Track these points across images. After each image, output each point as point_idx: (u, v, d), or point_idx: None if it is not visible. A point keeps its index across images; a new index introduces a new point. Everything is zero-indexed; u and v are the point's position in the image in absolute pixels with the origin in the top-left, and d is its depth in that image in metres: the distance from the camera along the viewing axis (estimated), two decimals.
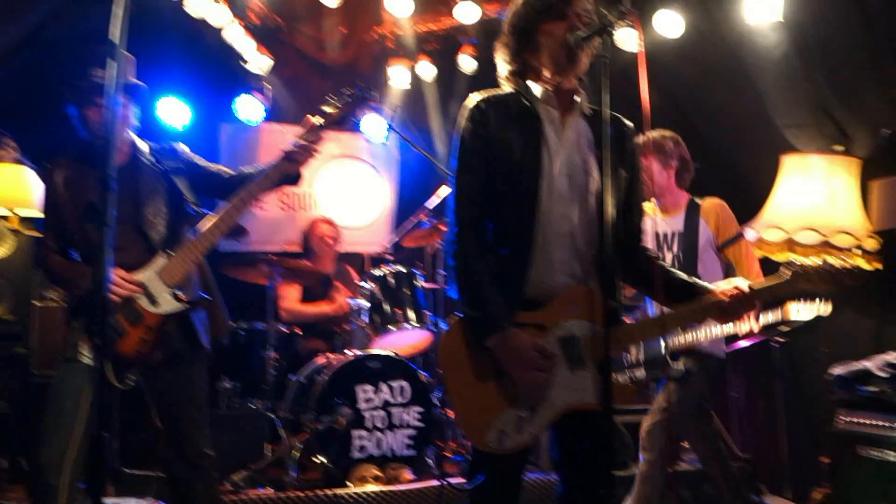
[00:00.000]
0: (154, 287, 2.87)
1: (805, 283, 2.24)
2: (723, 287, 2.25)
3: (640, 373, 3.44)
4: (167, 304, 2.87)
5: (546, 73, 2.27)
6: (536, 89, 2.28)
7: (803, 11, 3.96)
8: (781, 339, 4.48)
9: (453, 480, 3.84)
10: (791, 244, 4.15)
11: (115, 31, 1.71)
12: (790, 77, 4.29)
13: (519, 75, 2.33)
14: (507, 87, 2.36)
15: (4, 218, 4.30)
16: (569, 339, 2.16)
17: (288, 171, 2.97)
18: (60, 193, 2.94)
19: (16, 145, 4.57)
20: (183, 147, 3.14)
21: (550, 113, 2.27)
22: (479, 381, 2.13)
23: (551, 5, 2.23)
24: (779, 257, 4.26)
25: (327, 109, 3.01)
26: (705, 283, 2.30)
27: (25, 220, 4.40)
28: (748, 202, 4.35)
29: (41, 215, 4.24)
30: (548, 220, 2.19)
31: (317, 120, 2.99)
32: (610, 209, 2.04)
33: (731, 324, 3.24)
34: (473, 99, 2.30)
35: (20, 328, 4.47)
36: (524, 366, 2.09)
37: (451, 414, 2.19)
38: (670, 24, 4.37)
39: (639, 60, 2.09)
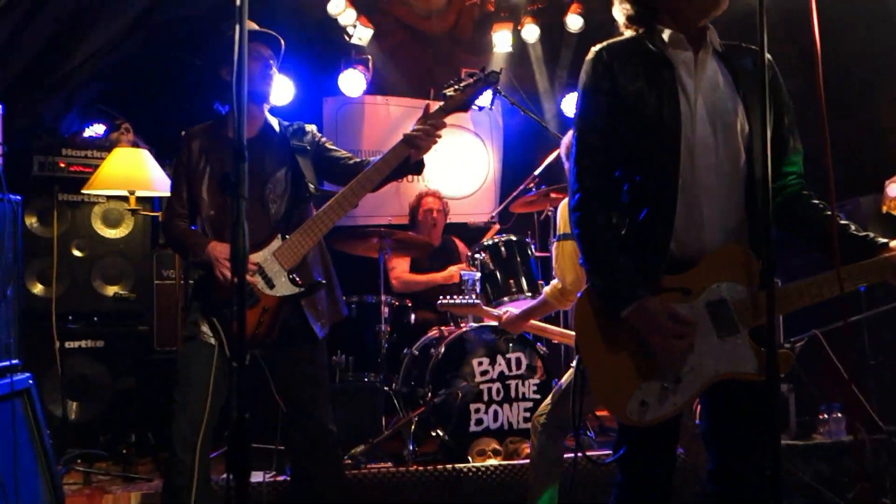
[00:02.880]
0: (270, 269, 2.83)
1: None
2: None
3: None
4: (283, 287, 2.83)
5: (683, 15, 2.03)
6: (664, 33, 2.05)
7: None
8: None
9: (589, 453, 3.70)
10: None
11: None
12: None
13: (644, 18, 2.10)
14: (628, 34, 2.15)
15: (123, 199, 4.40)
16: (718, 304, 1.98)
17: (408, 157, 2.85)
18: (195, 161, 2.95)
19: (132, 128, 4.67)
20: (312, 128, 3.09)
21: (682, 55, 2.05)
22: (618, 351, 2.00)
23: None
24: None
25: (449, 93, 2.88)
26: (880, 238, 2.01)
27: (143, 201, 4.50)
28: (891, 154, 3.99)
29: (158, 194, 4.39)
30: (692, 173, 1.99)
31: (439, 104, 2.87)
32: (763, 155, 1.81)
33: None
34: (597, 50, 2.08)
35: (142, 307, 4.61)
36: (661, 334, 1.92)
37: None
38: None
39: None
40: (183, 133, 3.02)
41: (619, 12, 2.15)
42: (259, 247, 2.85)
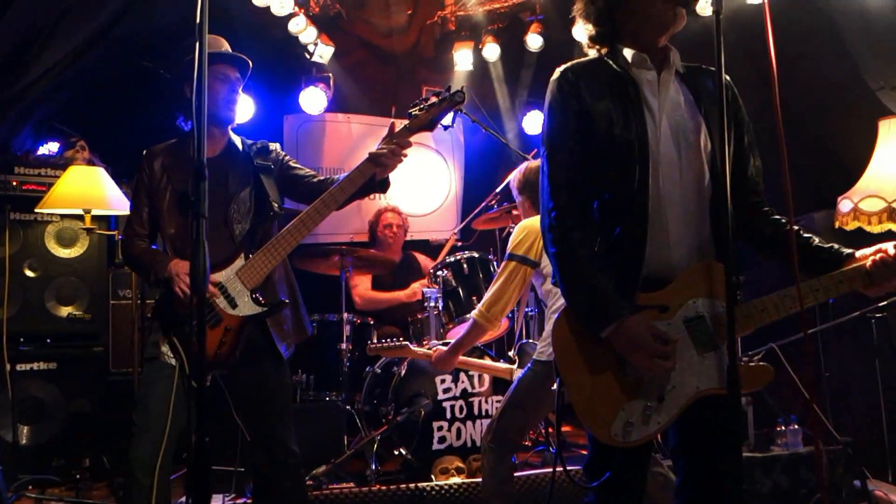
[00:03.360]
0: (233, 288, 2.80)
1: None
2: (865, 252, 2.01)
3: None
4: (246, 307, 2.80)
5: (642, 34, 2.07)
6: (626, 52, 2.09)
7: None
8: (879, 314, 4.22)
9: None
10: (892, 213, 3.90)
11: (200, 13, 1.62)
12: (883, 35, 4.01)
13: (606, 38, 2.14)
14: (591, 54, 2.19)
15: (78, 218, 4.32)
16: (696, 320, 1.98)
17: (373, 175, 2.84)
18: (157, 179, 2.92)
19: (87, 146, 4.59)
20: (276, 147, 3.08)
21: (646, 75, 2.08)
22: (600, 372, 1.98)
23: None
24: (877, 228, 4.01)
25: (414, 112, 2.88)
26: (844, 248, 2.04)
27: (98, 220, 4.42)
28: (841, 172, 4.10)
29: (115, 212, 4.32)
30: (660, 190, 2.00)
31: (404, 123, 2.87)
32: (727, 172, 1.85)
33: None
34: (562, 69, 2.11)
35: (97, 327, 4.52)
36: (644, 354, 1.92)
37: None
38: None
39: (764, 12, 1.88)
40: (144, 152, 2.99)
41: (583, 32, 2.18)
42: (222, 266, 2.82)
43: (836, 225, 4.21)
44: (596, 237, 2.02)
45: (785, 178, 1.95)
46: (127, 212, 4.22)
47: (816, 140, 4.63)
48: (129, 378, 4.46)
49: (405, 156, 2.86)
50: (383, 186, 2.92)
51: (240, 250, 2.84)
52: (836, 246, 2.05)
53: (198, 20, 1.62)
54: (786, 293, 2.00)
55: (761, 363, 1.98)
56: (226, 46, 3.00)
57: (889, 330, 4.29)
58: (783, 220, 2.13)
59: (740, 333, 1.97)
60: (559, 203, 2.02)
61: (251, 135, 3.14)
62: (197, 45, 1.60)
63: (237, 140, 3.03)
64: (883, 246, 1.99)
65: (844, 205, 4.12)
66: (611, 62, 2.10)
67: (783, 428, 4.27)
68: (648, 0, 2.03)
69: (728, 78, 2.12)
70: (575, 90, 2.06)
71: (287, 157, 3.07)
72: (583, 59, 2.16)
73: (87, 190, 4.18)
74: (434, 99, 2.89)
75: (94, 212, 4.23)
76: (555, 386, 2.04)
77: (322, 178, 3.03)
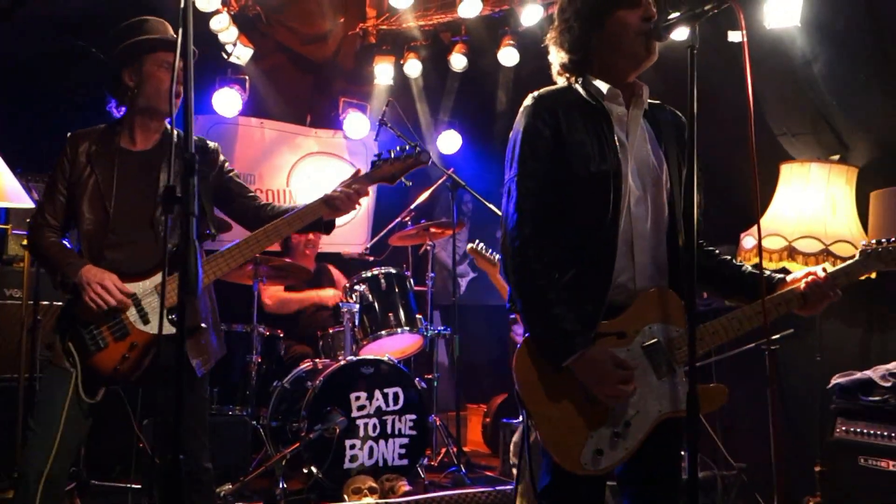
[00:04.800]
0: (149, 303, 2.60)
1: (876, 263, 2.16)
2: (796, 275, 2.14)
3: None
4: (159, 325, 2.55)
5: (614, 67, 2.11)
6: (600, 85, 2.11)
7: (809, 17, 3.94)
8: (772, 346, 4.47)
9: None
10: (791, 251, 4.14)
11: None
12: (790, 85, 4.28)
13: (578, 68, 2.16)
14: (560, 82, 2.21)
15: None
16: (653, 345, 2.03)
17: (322, 217, 2.73)
18: (80, 169, 2.68)
19: None
20: (216, 148, 2.85)
21: (616, 109, 2.11)
22: (565, 402, 1.99)
23: None
24: (775, 265, 4.25)
25: (378, 163, 2.79)
26: (776, 274, 2.17)
27: None
28: (743, 210, 4.32)
29: (9, 205, 4.00)
30: (630, 223, 2.05)
31: (365, 172, 2.79)
32: (693, 207, 1.92)
33: None
34: (537, 96, 2.12)
35: None
36: (606, 382, 1.94)
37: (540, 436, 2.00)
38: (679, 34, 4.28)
39: (743, 50, 1.95)
40: (69, 135, 2.74)
41: (556, 59, 2.20)
42: (141, 276, 2.61)
43: (738, 260, 4.43)
44: (560, 266, 2.03)
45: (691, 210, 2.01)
46: (21, 205, 3.94)
47: (721, 179, 4.87)
48: (13, 385, 4.13)
49: (359, 204, 2.78)
50: (328, 228, 2.82)
51: (164, 262, 2.64)
52: (768, 272, 2.18)
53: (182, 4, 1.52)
54: (733, 316, 2.10)
55: (718, 384, 2.06)
56: (171, 32, 2.79)
57: (780, 362, 4.56)
58: (716, 251, 2.25)
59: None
60: (524, 232, 2.02)
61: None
62: (180, 31, 1.50)
63: (175, 134, 2.85)
64: (812, 269, 2.14)
65: (747, 241, 4.35)
66: (583, 93, 2.12)
67: (683, 453, 4.42)
68: (624, 33, 2.06)
69: (682, 116, 2.22)
70: (552, 119, 2.06)
71: (227, 164, 2.90)
72: (554, 88, 2.17)
73: None
74: (401, 154, 2.80)
75: None
76: (519, 418, 2.03)
77: (262, 202, 2.87)
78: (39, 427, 2.54)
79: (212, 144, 2.86)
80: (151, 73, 2.65)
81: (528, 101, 2.13)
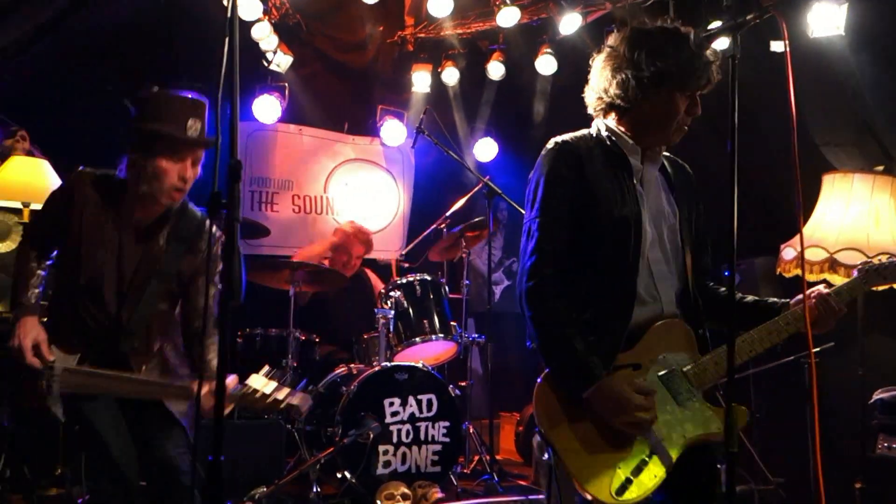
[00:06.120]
0: (59, 379, 2.49)
1: (877, 280, 2.22)
2: (798, 298, 2.17)
3: None
4: (53, 402, 2.51)
5: (645, 133, 2.18)
6: (625, 138, 2.19)
7: (853, 26, 3.88)
8: (813, 360, 4.39)
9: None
10: (833, 263, 4.07)
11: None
12: (833, 95, 4.21)
13: (614, 111, 2.21)
14: (586, 130, 2.26)
15: (15, 211, 4.09)
16: (669, 374, 2.09)
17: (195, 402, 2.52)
18: (97, 219, 2.60)
19: (27, 136, 4.36)
20: (214, 235, 2.61)
21: (635, 163, 2.20)
22: (589, 434, 2.02)
23: (692, 82, 2.11)
24: (816, 277, 4.18)
25: (255, 385, 2.47)
26: (777, 299, 2.22)
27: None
28: (783, 222, 4.26)
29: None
30: (645, 266, 2.13)
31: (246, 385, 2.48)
32: (734, 221, 1.93)
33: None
34: (560, 142, 2.19)
35: None
36: (625, 411, 1.97)
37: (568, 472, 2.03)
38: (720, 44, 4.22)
39: (786, 60, 1.95)
40: (76, 173, 2.66)
41: (598, 86, 2.22)
42: (69, 349, 2.54)
43: (778, 271, 4.37)
44: (579, 306, 2.09)
45: (733, 223, 2.04)
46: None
47: (762, 190, 4.82)
48: None
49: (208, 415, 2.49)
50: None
51: (112, 343, 2.56)
52: (770, 299, 2.24)
53: (228, 14, 1.55)
54: (746, 337, 2.14)
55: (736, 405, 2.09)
56: (197, 114, 2.59)
57: (820, 376, 4.48)
58: (721, 289, 2.32)
59: (715, 381, 2.11)
60: (545, 272, 2.09)
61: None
62: (227, 41, 1.54)
63: (194, 212, 2.72)
64: (815, 290, 2.18)
65: (788, 252, 4.28)
66: (606, 141, 2.19)
67: (720, 467, 4.36)
68: (670, 113, 2.12)
69: (689, 169, 2.35)
70: (577, 165, 2.13)
71: (218, 260, 2.58)
72: (578, 134, 2.23)
73: (28, 182, 3.97)
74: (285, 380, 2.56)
75: (34, 206, 4.01)
76: (545, 456, 2.07)
77: (198, 334, 2.67)
78: None
79: (206, 229, 2.70)
80: (160, 167, 2.54)
81: (550, 144, 2.20)
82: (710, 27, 2.03)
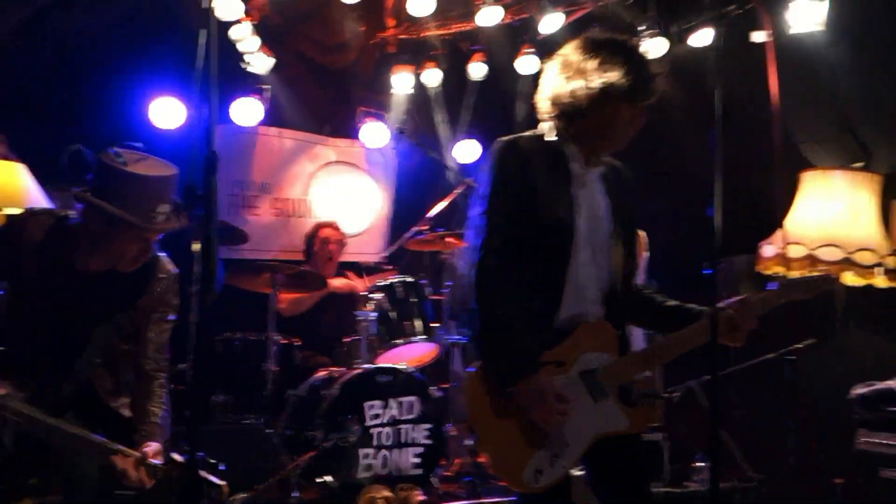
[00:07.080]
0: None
1: (795, 293, 2.33)
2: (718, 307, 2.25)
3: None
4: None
5: (593, 144, 2.27)
6: (571, 148, 2.29)
7: (834, 22, 3.89)
8: (793, 357, 4.41)
9: None
10: (813, 260, 4.09)
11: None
12: (812, 92, 4.23)
13: (560, 119, 2.28)
14: (533, 131, 2.35)
15: None
16: (589, 372, 2.23)
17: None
18: (37, 267, 2.49)
19: (5, 140, 4.31)
20: (171, 274, 2.61)
21: (577, 168, 2.30)
22: (508, 424, 2.16)
23: (640, 95, 2.20)
24: (796, 274, 4.19)
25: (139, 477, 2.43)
26: (696, 306, 2.33)
27: None
28: (762, 218, 4.28)
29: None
30: (574, 267, 2.24)
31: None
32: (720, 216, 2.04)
33: None
34: (509, 142, 2.28)
35: None
36: (546, 409, 2.12)
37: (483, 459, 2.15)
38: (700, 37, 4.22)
39: (767, 50, 1.97)
40: (32, 212, 2.60)
41: (548, 91, 2.29)
42: (26, 383, 2.47)
43: (757, 269, 4.39)
44: (518, 299, 2.19)
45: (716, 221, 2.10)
46: None
47: (741, 187, 4.83)
48: None
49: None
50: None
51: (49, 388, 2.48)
52: (690, 305, 2.35)
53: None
54: (665, 342, 2.33)
55: (650, 405, 2.30)
56: (171, 188, 2.49)
57: (800, 372, 4.49)
58: (649, 292, 2.47)
59: (624, 380, 2.26)
60: (489, 263, 2.18)
61: (179, 142, 2.83)
62: (204, 41, 1.52)
63: (167, 265, 2.65)
64: (729, 301, 2.27)
65: (767, 250, 4.29)
66: (551, 145, 2.29)
67: (701, 464, 4.38)
68: (615, 123, 2.21)
69: (630, 172, 2.42)
70: (523, 165, 2.23)
71: (170, 305, 2.64)
72: (525, 135, 2.32)
73: (4, 185, 3.92)
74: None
75: (6, 210, 3.96)
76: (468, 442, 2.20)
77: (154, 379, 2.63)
78: None
79: (168, 265, 2.66)
80: (119, 247, 2.48)
81: (499, 143, 2.28)
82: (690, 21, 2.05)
